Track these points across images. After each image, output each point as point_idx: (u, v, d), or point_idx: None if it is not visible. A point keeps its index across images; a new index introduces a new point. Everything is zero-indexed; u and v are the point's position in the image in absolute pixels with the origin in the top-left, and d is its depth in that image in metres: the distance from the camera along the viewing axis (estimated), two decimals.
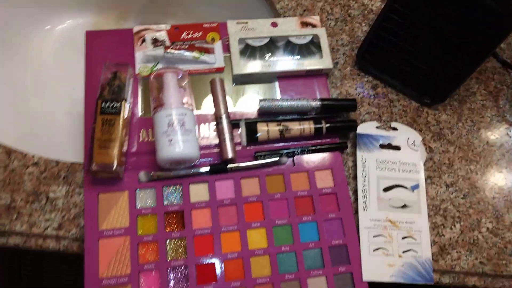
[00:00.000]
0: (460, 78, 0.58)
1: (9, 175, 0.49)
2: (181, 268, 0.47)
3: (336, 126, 0.54)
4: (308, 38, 0.58)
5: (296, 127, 0.53)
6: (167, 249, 0.48)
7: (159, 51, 0.56)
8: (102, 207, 0.48)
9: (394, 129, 0.56)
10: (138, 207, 0.49)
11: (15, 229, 0.47)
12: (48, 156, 0.52)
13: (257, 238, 0.50)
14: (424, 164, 0.55)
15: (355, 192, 0.53)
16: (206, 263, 0.48)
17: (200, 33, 0.58)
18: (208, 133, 0.53)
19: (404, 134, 0.56)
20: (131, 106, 0.52)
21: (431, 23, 0.54)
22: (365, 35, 0.62)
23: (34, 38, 0.66)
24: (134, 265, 0.46)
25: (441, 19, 0.53)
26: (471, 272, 0.51)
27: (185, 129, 0.47)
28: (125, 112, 0.49)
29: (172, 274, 0.47)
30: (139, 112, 0.53)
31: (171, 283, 0.47)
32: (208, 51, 0.57)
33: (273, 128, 0.53)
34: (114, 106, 0.49)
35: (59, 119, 0.61)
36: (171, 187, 0.50)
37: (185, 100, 0.51)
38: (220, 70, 0.57)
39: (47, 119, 0.60)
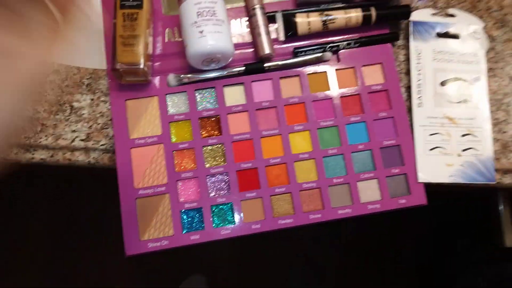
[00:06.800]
0: None
1: None
2: (221, 175, 0.44)
3: (387, 13, 0.47)
4: None
5: (341, 16, 0.46)
6: (204, 156, 0.44)
7: None
8: (131, 114, 0.44)
9: (452, 16, 0.49)
10: (170, 113, 0.45)
11: (41, 143, 0.44)
12: (67, 63, 0.47)
13: (300, 142, 0.45)
14: (486, 55, 0.48)
15: (408, 88, 0.47)
16: (247, 169, 0.44)
17: None
18: (240, 29, 0.47)
19: (463, 21, 0.49)
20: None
21: None
22: None
23: None
24: (170, 174, 0.43)
25: None
26: None
27: (217, 19, 0.41)
28: (148, 5, 0.43)
29: (212, 182, 0.44)
30: (162, 9, 0.47)
31: (212, 191, 0.44)
32: None
33: (315, 19, 0.46)
34: None
35: None
36: (204, 90, 0.46)
37: None
38: None
39: None
